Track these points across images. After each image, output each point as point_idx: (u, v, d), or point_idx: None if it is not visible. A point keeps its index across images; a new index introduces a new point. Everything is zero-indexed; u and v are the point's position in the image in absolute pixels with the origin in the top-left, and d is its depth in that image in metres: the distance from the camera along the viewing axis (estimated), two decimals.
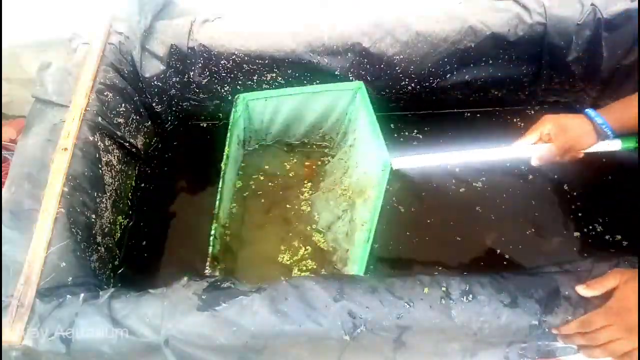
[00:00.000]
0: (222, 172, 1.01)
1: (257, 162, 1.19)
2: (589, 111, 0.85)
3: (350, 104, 1.10)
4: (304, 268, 1.01)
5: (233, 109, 1.07)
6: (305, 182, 1.14)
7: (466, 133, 1.21)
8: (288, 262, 1.02)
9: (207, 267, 0.91)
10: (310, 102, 1.10)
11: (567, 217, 1.06)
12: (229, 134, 1.05)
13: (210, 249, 0.93)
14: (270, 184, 1.15)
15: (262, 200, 1.12)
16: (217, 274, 0.93)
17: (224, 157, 1.03)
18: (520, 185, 1.11)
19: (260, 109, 1.11)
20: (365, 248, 0.88)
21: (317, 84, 1.12)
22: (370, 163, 0.96)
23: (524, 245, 1.02)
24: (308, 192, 1.12)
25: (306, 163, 1.18)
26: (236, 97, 1.07)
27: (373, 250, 0.90)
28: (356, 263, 0.90)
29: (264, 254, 1.04)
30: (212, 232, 0.94)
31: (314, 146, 1.21)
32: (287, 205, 1.10)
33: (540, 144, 0.88)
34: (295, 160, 1.18)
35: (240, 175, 1.16)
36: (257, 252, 1.05)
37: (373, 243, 0.88)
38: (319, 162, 1.18)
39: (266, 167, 1.18)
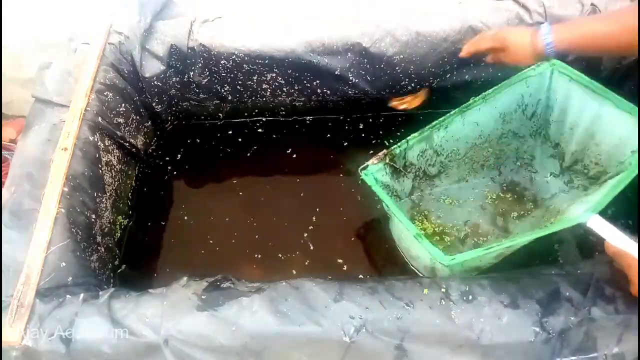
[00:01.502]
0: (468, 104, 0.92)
1: None
2: (544, 27, 0.85)
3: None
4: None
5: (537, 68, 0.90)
6: None
7: None
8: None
9: (378, 155, 0.89)
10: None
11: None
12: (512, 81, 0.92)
13: (395, 146, 0.90)
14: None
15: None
16: (379, 162, 0.89)
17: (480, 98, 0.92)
18: None
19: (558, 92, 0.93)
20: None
21: (317, 84, 1.12)
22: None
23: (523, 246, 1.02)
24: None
25: None
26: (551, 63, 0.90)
27: None
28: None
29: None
30: (408, 139, 0.91)
31: None
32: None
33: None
34: None
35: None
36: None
37: None
38: None
39: None
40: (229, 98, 1.18)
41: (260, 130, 1.25)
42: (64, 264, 0.80)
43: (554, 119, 0.97)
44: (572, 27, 0.84)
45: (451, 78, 1.12)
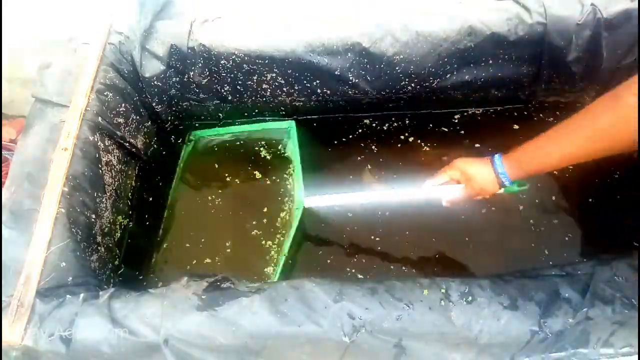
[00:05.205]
0: (167, 202, 1.11)
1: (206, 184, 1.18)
2: (496, 159, 0.84)
3: (288, 141, 1.20)
4: None
5: (185, 144, 1.20)
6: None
7: (466, 133, 1.21)
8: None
9: None
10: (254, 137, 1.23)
11: (568, 219, 1.06)
12: (177, 169, 1.14)
13: None
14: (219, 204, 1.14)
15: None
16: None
17: (171, 189, 1.14)
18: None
19: (205, 144, 1.23)
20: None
21: (317, 84, 1.12)
22: (296, 200, 1.06)
23: (525, 249, 1.02)
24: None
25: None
26: (188, 134, 1.20)
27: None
28: None
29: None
30: None
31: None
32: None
33: (450, 186, 0.92)
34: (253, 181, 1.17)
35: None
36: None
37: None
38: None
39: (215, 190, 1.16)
40: (229, 98, 1.18)
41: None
42: (64, 264, 0.80)
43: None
44: (523, 157, 0.80)
45: (451, 78, 1.12)
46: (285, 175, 1.16)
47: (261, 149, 1.21)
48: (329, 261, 1.04)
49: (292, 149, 1.15)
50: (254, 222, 1.09)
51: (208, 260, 1.04)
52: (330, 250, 1.05)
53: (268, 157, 1.20)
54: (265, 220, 1.09)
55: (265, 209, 1.11)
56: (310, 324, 0.69)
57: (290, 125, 1.19)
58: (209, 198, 1.14)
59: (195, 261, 1.04)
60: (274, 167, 1.18)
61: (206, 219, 1.11)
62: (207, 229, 1.10)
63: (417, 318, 0.69)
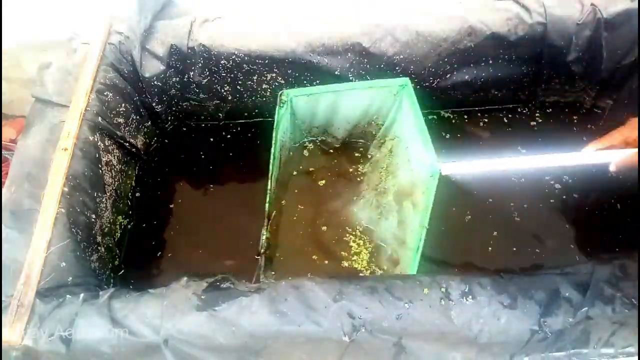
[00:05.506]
0: (270, 173, 1.01)
1: (297, 160, 1.17)
2: None
3: (395, 102, 1.08)
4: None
5: (277, 106, 1.04)
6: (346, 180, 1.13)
7: (466, 133, 1.21)
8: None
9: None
10: (353, 98, 1.09)
11: (570, 220, 1.06)
12: (274, 132, 1.02)
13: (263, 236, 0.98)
14: (310, 181, 1.14)
15: (304, 197, 1.12)
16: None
17: (271, 157, 1.01)
18: (525, 190, 1.11)
19: (303, 104, 1.09)
20: (415, 256, 0.89)
21: (317, 84, 1.12)
22: (418, 166, 0.96)
23: (525, 249, 1.02)
24: (351, 190, 1.11)
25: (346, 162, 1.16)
26: (280, 93, 1.04)
27: (424, 255, 0.90)
28: (407, 268, 0.92)
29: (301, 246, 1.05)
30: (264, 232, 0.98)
31: (355, 144, 1.19)
32: (328, 203, 1.10)
33: (623, 150, 0.83)
34: (335, 159, 1.17)
35: (280, 172, 1.13)
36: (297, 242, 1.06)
37: (424, 249, 0.88)
38: (361, 161, 1.16)
39: (306, 165, 1.16)
40: (229, 98, 1.18)
41: (260, 130, 1.25)
42: (64, 264, 0.80)
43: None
44: None
45: (451, 78, 1.12)
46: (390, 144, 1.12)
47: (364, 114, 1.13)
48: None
49: (409, 109, 1.00)
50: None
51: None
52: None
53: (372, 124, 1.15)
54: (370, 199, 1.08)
55: (365, 185, 1.10)
56: (310, 324, 0.69)
57: (404, 82, 1.04)
58: (308, 170, 1.14)
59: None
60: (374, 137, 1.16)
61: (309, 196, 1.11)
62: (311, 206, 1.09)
63: (417, 317, 0.69)
